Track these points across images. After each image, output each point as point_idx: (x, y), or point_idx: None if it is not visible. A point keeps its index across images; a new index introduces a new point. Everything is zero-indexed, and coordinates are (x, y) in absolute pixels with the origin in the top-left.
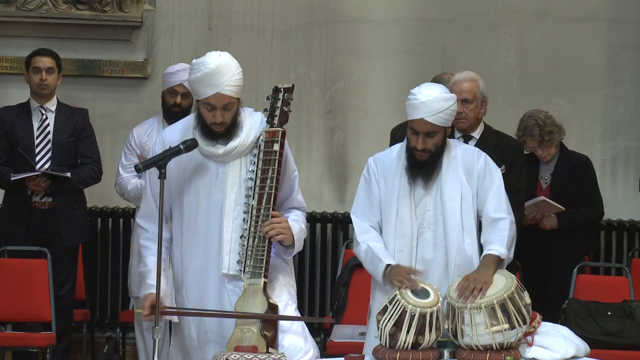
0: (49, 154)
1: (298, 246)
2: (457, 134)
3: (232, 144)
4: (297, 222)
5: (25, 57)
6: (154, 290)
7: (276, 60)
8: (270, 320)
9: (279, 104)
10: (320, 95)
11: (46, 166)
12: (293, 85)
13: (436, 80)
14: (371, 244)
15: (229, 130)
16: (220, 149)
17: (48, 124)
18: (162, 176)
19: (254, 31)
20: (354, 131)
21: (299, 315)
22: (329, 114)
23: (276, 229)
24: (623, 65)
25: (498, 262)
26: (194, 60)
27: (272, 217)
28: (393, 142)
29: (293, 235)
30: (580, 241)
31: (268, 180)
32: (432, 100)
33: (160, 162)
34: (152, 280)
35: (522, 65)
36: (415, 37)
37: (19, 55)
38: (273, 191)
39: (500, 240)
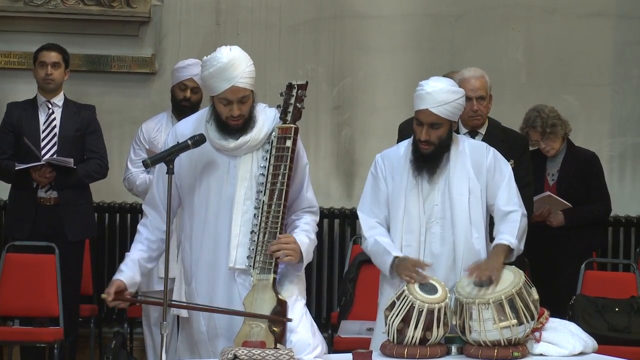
0: (55, 148)
1: (307, 259)
2: (464, 130)
3: (244, 138)
4: (306, 234)
5: (33, 53)
6: (121, 277)
7: (284, 55)
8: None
9: (292, 100)
10: (328, 91)
11: (52, 156)
12: (307, 82)
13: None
14: (379, 238)
15: (245, 123)
16: (231, 143)
17: (54, 119)
18: (170, 171)
19: (262, 27)
20: (361, 127)
21: (307, 311)
22: (337, 110)
23: (284, 250)
24: (631, 61)
25: (508, 251)
26: (205, 57)
27: (280, 237)
28: (400, 137)
29: (301, 253)
30: (588, 237)
31: (280, 177)
32: (437, 92)
33: (168, 157)
34: (124, 266)
35: (530, 61)
36: (423, 33)
37: (27, 51)
38: (284, 187)
39: (511, 230)
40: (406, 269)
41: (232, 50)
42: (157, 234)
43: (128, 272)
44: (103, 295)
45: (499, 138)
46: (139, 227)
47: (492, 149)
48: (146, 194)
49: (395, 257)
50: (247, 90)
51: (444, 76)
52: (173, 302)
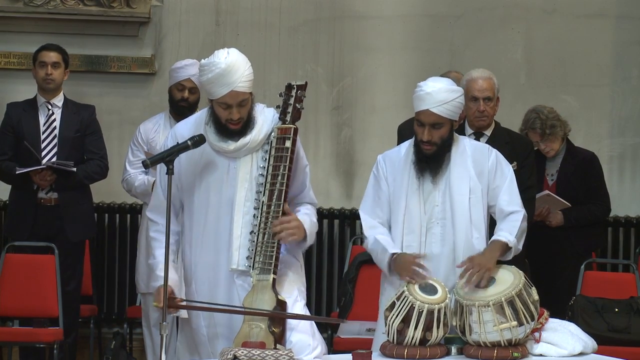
0: (55, 149)
1: (311, 240)
2: (469, 131)
3: (243, 140)
4: (308, 216)
5: (32, 53)
6: (168, 283)
7: (283, 56)
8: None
9: (292, 101)
10: (327, 92)
11: (52, 160)
12: (306, 83)
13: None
14: (378, 237)
15: (244, 126)
16: (231, 145)
17: (54, 119)
18: (170, 172)
19: (262, 27)
20: (361, 127)
21: (307, 312)
22: (336, 110)
23: (287, 229)
24: (631, 61)
25: (505, 248)
26: (203, 61)
27: (283, 214)
28: (400, 138)
29: (305, 231)
30: (587, 238)
31: (279, 177)
32: (437, 92)
33: (167, 157)
34: (161, 272)
35: (530, 62)
36: (423, 33)
37: (27, 51)
38: (284, 188)
39: (510, 229)
40: (405, 268)
41: (230, 54)
42: (173, 237)
43: (172, 276)
44: (154, 304)
45: (504, 140)
46: (152, 234)
47: (494, 150)
48: (145, 195)
49: (393, 254)
50: (246, 94)
51: (440, 76)
52: (222, 307)
